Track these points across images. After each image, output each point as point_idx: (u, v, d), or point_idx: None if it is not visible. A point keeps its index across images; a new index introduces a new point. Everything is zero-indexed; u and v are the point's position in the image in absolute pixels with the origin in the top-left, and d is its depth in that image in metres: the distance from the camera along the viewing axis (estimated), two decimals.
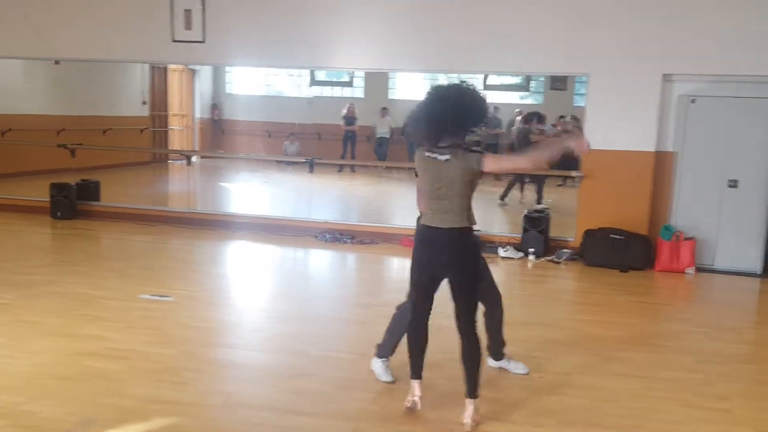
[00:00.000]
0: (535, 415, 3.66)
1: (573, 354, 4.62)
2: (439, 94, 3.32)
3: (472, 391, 3.50)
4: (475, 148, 3.41)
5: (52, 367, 4.02)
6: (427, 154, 3.40)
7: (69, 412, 3.47)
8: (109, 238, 8.08)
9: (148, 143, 13.15)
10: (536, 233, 7.53)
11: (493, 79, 13.62)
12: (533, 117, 10.61)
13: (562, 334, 5.06)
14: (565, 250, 7.46)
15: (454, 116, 3.27)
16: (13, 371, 3.94)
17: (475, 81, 13.20)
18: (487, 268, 4.06)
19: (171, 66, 13.15)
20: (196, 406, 3.61)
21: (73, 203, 8.61)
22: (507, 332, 5.01)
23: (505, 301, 5.99)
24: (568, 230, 7.75)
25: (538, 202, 10.24)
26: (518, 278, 6.97)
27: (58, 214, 8.52)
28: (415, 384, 3.67)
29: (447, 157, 3.33)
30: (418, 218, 3.60)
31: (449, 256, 3.43)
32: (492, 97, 13.52)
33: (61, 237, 8.03)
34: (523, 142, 10.02)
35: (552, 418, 3.64)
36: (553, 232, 7.72)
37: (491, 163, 3.36)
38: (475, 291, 3.54)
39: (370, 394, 3.84)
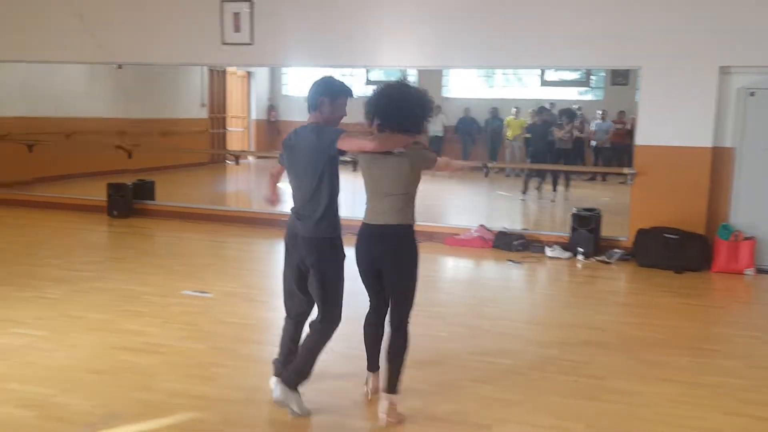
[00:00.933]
0: (563, 419, 3.54)
1: (611, 357, 4.45)
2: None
3: (392, 387, 3.41)
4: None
5: (88, 361, 4.13)
6: None
7: (96, 405, 3.56)
8: (160, 236, 8.30)
9: (207, 145, 13.46)
10: (586, 232, 7.30)
11: (550, 75, 13.33)
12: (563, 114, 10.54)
13: (602, 337, 4.88)
14: (616, 250, 7.21)
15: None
16: (50, 364, 4.07)
17: (532, 77, 13.01)
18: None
19: (229, 69, 13.42)
20: (220, 401, 3.64)
21: (128, 202, 8.89)
22: (546, 332, 4.91)
23: (548, 302, 5.88)
24: (621, 229, 7.49)
25: (554, 189, 10.20)
26: (565, 279, 6.78)
27: (115, 212, 8.81)
28: (370, 376, 3.71)
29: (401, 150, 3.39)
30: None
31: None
32: (550, 94, 13.24)
33: (115, 235, 8.30)
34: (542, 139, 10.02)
35: (581, 422, 3.51)
36: (605, 231, 7.47)
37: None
38: (413, 291, 3.57)
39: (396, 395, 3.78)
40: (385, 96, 3.38)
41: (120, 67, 10.02)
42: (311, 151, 3.35)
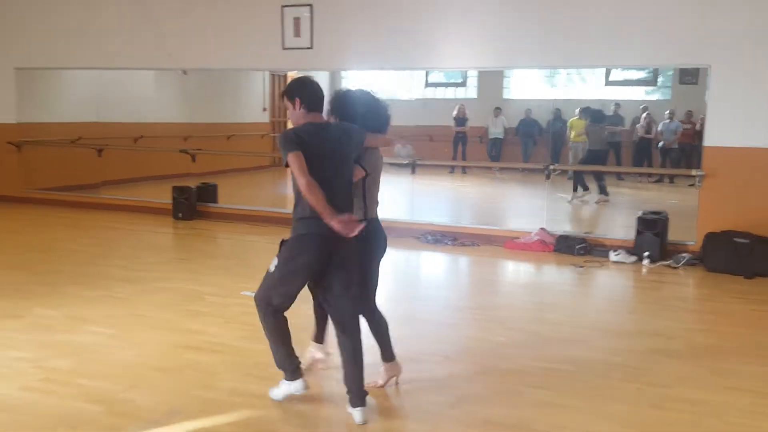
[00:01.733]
0: (626, 427, 3.46)
1: (678, 365, 4.33)
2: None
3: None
4: None
5: (153, 359, 4.27)
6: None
7: (160, 402, 3.67)
8: (222, 238, 8.51)
9: (268, 149, 13.69)
10: (651, 236, 7.11)
11: (615, 74, 13.01)
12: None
13: (668, 344, 4.75)
14: (683, 255, 6.99)
15: None
16: (117, 361, 4.23)
17: (596, 76, 12.76)
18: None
19: (290, 73, 13.64)
20: (278, 401, 3.71)
21: (193, 205, 9.14)
22: (610, 339, 4.81)
23: (612, 308, 5.76)
24: (689, 233, 7.26)
25: (601, 193, 9.90)
26: (630, 284, 6.62)
27: (179, 215, 9.07)
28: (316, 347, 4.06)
29: None
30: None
31: None
32: (615, 94, 12.93)
33: (179, 236, 8.55)
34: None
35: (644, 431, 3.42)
36: (672, 235, 7.26)
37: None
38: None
39: (449, 398, 3.77)
40: (363, 103, 3.68)
41: (185, 72, 10.33)
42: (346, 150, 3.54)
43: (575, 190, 10.18)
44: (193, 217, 9.08)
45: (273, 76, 13.55)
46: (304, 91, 3.50)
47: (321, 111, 3.53)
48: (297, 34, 8.29)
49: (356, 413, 3.47)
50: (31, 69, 10.06)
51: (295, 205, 3.51)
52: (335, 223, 3.23)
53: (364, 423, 3.44)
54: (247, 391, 3.81)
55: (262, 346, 4.45)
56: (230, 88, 12.38)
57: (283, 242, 3.57)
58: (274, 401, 3.67)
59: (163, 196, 9.45)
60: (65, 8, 9.69)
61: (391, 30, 8.08)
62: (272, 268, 3.60)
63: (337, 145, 3.46)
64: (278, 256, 3.56)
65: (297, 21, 8.28)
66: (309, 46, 8.33)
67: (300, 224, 3.46)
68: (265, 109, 13.62)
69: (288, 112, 3.54)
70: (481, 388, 3.92)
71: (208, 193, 9.44)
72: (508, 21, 7.67)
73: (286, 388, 3.66)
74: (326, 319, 3.96)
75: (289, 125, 3.60)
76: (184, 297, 5.58)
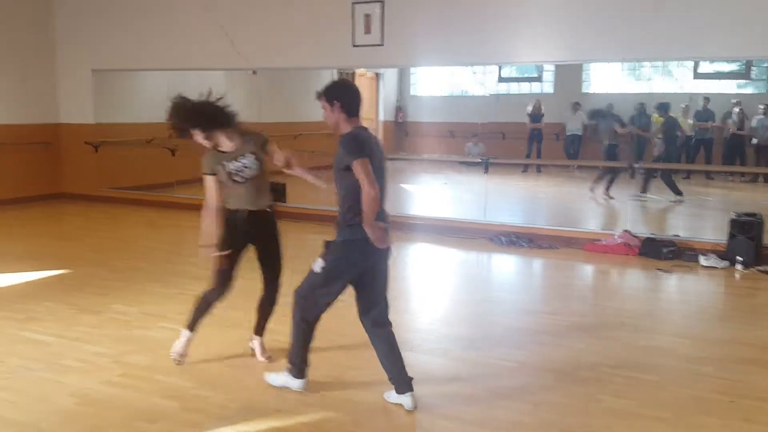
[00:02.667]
0: None
1: None
2: None
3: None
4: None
5: (225, 356, 4.43)
6: None
7: (232, 399, 3.81)
8: (292, 238, 8.59)
9: (335, 147, 13.87)
10: (745, 239, 6.86)
11: (704, 66, 12.57)
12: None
13: (764, 355, 4.58)
14: None
15: None
16: (191, 358, 4.38)
17: (684, 69, 12.36)
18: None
19: (358, 71, 13.78)
20: (351, 402, 3.78)
21: None
22: (699, 348, 4.67)
23: (702, 315, 5.58)
24: None
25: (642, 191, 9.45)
26: (721, 290, 6.40)
27: None
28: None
29: None
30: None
31: None
32: (704, 87, 12.50)
33: None
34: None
35: None
36: None
37: None
38: None
39: (527, 406, 3.75)
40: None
41: (254, 72, 10.60)
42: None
43: (645, 191, 9.90)
44: None
45: (340, 73, 13.76)
46: (345, 94, 3.60)
47: (359, 116, 3.63)
48: (367, 30, 8.38)
49: (406, 399, 3.66)
50: (108, 71, 10.53)
51: (346, 209, 3.63)
52: (379, 232, 3.50)
53: (415, 407, 3.65)
54: (320, 390, 3.89)
55: (333, 345, 4.59)
56: (298, 87, 12.60)
57: (328, 243, 3.73)
58: (297, 390, 3.88)
59: None
60: (139, 12, 10.11)
61: (464, 24, 8.06)
62: (317, 269, 3.75)
63: (382, 155, 3.64)
64: (324, 257, 3.72)
65: (368, 18, 8.37)
66: (380, 43, 8.41)
67: (351, 230, 3.60)
68: None
69: (326, 113, 3.62)
70: (559, 395, 3.88)
71: (278, 192, 9.54)
72: (586, 12, 7.54)
73: (285, 380, 3.91)
74: (268, 315, 4.48)
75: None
76: (254, 294, 5.68)
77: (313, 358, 4.37)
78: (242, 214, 4.26)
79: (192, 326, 4.32)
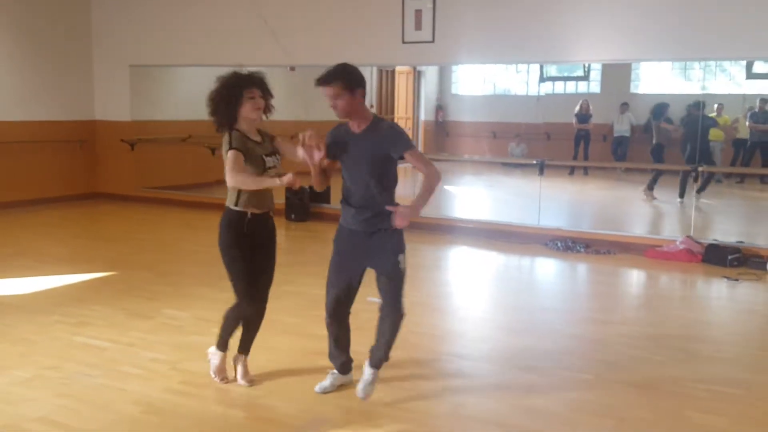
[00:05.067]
0: None
1: None
2: None
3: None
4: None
5: (288, 364, 4.38)
6: None
7: (302, 409, 3.75)
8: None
9: None
10: None
11: (759, 66, 12.32)
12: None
13: None
14: None
15: None
16: (253, 365, 4.31)
17: (737, 69, 12.15)
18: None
19: (398, 68, 13.72)
20: (425, 414, 3.71)
21: (306, 206, 9.33)
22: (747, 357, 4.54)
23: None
24: None
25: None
26: None
27: (292, 216, 9.28)
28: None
29: None
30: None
31: None
32: (759, 87, 12.24)
33: (295, 238, 8.75)
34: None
35: None
36: None
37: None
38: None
39: (610, 420, 3.65)
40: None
41: (293, 69, 10.59)
42: None
43: (700, 190, 9.70)
44: (307, 219, 9.27)
45: (381, 71, 13.70)
46: (363, 81, 3.57)
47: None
48: (418, 27, 8.31)
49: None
50: (145, 66, 10.58)
51: (391, 198, 3.68)
52: None
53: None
54: (393, 402, 3.82)
55: (398, 355, 4.50)
56: None
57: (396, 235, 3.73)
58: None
59: (275, 197, 9.67)
60: (177, 6, 10.16)
61: (511, 21, 8.02)
62: (403, 264, 3.79)
63: None
64: (402, 250, 3.76)
65: (419, 13, 8.30)
66: (431, 40, 8.34)
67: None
68: (372, 106, 13.78)
69: (342, 101, 3.52)
70: (645, 411, 3.77)
71: (322, 193, 9.55)
72: (636, 9, 7.45)
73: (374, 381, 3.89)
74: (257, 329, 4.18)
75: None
76: (310, 302, 5.68)
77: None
78: (263, 218, 3.91)
79: (223, 346, 4.11)
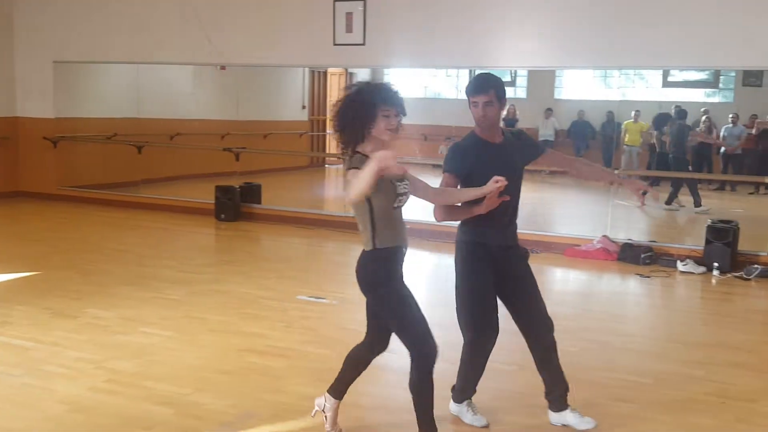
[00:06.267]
0: None
1: (761, 380, 4.37)
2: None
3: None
4: (354, 159, 3.05)
5: (217, 362, 4.41)
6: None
7: (230, 405, 3.80)
8: (268, 240, 8.67)
9: (307, 148, 13.86)
10: (721, 246, 7.09)
11: (675, 75, 12.94)
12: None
13: (750, 358, 4.77)
14: (755, 266, 6.96)
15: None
16: (180, 363, 4.37)
17: (654, 77, 12.69)
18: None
19: (330, 70, 13.78)
20: (352, 407, 3.79)
21: (236, 205, 9.31)
22: (687, 351, 4.84)
23: (685, 320, 5.77)
24: (760, 243, 7.24)
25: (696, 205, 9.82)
26: (699, 295, 6.64)
27: (222, 215, 9.24)
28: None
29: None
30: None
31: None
32: (674, 95, 12.86)
33: (224, 238, 8.74)
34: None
35: None
36: (742, 245, 7.23)
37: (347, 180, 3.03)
38: (397, 328, 3.26)
39: (528, 408, 3.84)
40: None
41: (223, 68, 10.53)
42: None
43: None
44: (237, 218, 9.24)
45: (313, 72, 13.74)
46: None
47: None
48: (349, 29, 8.41)
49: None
50: (70, 62, 10.33)
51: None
52: None
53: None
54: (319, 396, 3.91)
55: (326, 351, 4.62)
56: (268, 84, 12.57)
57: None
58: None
59: (201, 196, 9.64)
60: (104, 1, 9.94)
61: (441, 27, 8.16)
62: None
63: None
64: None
65: (349, 16, 8.40)
66: (362, 43, 8.45)
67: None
68: (304, 107, 13.81)
69: (492, 109, 3.37)
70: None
71: (252, 193, 9.60)
72: (561, 19, 7.73)
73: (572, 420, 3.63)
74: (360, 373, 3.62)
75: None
76: (239, 300, 5.72)
77: (305, 362, 4.41)
78: (402, 253, 3.30)
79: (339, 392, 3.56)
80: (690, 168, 10.48)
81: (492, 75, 3.54)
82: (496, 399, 3.96)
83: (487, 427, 3.66)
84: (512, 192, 3.40)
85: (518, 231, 3.72)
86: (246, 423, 3.60)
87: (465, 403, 3.75)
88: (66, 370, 4.21)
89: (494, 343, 3.63)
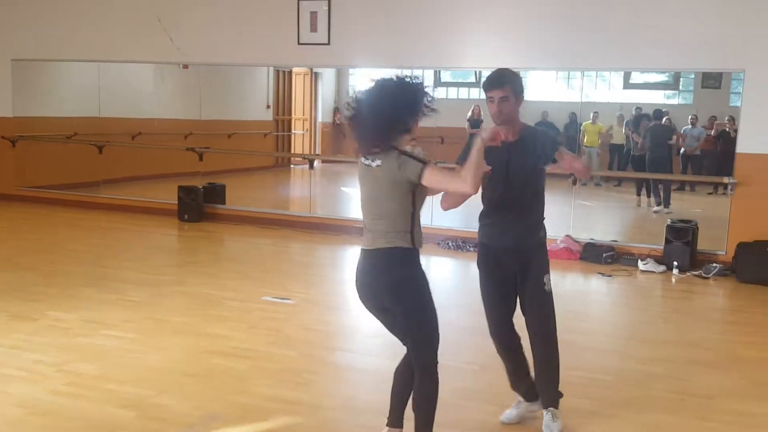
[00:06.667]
0: None
1: (719, 376, 4.46)
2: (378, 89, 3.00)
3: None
4: (417, 155, 2.96)
5: (180, 363, 4.38)
6: (362, 159, 3.05)
7: (194, 407, 3.78)
8: (232, 241, 8.61)
9: (272, 148, 13.80)
10: (681, 245, 7.24)
11: (636, 77, 13.18)
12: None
13: (708, 355, 4.88)
14: (714, 265, 7.13)
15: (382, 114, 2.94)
16: (143, 366, 4.33)
17: (616, 78, 12.89)
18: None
19: (295, 69, 13.75)
20: (317, 408, 3.82)
21: (199, 206, 9.23)
22: (647, 349, 4.93)
23: (645, 318, 5.88)
24: (719, 243, 7.42)
25: (658, 204, 10.05)
26: (660, 294, 6.77)
27: (185, 216, 9.16)
28: None
29: (378, 162, 2.96)
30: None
31: (377, 284, 3.06)
32: (635, 97, 13.10)
33: (187, 239, 8.66)
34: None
35: None
36: (701, 245, 7.40)
37: (430, 176, 2.88)
38: (420, 322, 3.09)
39: (491, 407, 3.89)
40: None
41: (186, 67, 10.43)
42: None
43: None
44: (200, 219, 9.16)
45: (277, 72, 13.69)
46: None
47: None
48: (314, 29, 8.40)
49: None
50: (29, 60, 10.14)
51: (541, 211, 3.54)
52: None
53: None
54: (284, 398, 3.91)
55: (291, 352, 4.62)
56: (232, 83, 12.49)
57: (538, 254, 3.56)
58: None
59: (164, 196, 9.54)
60: None
61: (405, 27, 8.22)
62: (549, 287, 3.61)
63: None
64: (547, 271, 3.56)
65: (314, 15, 8.39)
66: (326, 42, 8.45)
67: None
68: (268, 107, 13.75)
69: (508, 105, 3.33)
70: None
71: (216, 193, 9.53)
72: (525, 21, 7.84)
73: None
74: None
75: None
76: (202, 301, 5.68)
77: (269, 363, 4.41)
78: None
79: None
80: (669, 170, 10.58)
81: (509, 70, 3.45)
82: (462, 398, 3.99)
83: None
84: (516, 192, 3.39)
85: None
86: (210, 425, 3.58)
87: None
88: (25, 373, 4.15)
89: (508, 346, 3.72)
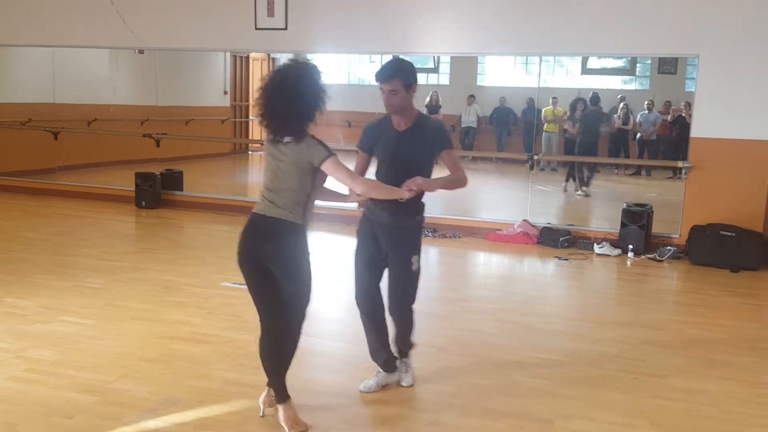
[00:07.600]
0: (627, 416, 3.70)
1: (671, 356, 4.61)
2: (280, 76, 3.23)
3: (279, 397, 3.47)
4: (327, 146, 3.23)
5: (139, 349, 4.38)
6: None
7: (154, 392, 3.79)
8: (191, 228, 8.57)
9: (229, 134, 13.70)
10: (636, 228, 7.44)
11: (593, 63, 13.40)
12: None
13: (660, 335, 5.04)
14: (668, 248, 7.35)
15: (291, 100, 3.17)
16: (102, 352, 4.32)
17: (573, 64, 13.08)
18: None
19: (253, 55, 13.64)
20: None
21: (157, 193, 9.16)
22: (601, 330, 5.08)
23: (600, 300, 6.04)
24: (673, 226, 7.63)
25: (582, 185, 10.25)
26: (615, 276, 6.93)
27: (143, 203, 9.08)
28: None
29: (288, 139, 3.21)
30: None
31: (265, 248, 3.40)
32: (592, 82, 13.31)
33: (145, 226, 8.58)
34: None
35: (644, 419, 3.68)
36: (656, 228, 7.62)
37: (330, 166, 3.21)
38: (296, 287, 3.43)
39: (450, 388, 3.98)
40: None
41: (141, 52, 10.29)
42: None
43: (570, 180, 10.50)
44: (158, 206, 9.09)
45: (234, 57, 13.56)
46: (417, 79, 3.54)
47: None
48: (271, 13, 8.37)
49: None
50: None
51: (421, 195, 3.65)
52: None
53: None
54: (243, 381, 3.95)
55: (250, 337, 4.62)
56: (189, 69, 12.35)
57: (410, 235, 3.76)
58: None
59: (121, 183, 9.44)
60: None
61: (363, 12, 8.25)
62: (416, 267, 3.81)
63: None
64: (417, 252, 3.80)
65: (271, 0, 8.35)
66: (284, 27, 8.42)
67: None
68: (226, 93, 13.63)
69: (398, 97, 3.48)
70: (479, 378, 4.13)
71: (173, 180, 9.46)
72: (482, 6, 7.91)
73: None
74: None
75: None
76: (161, 288, 5.67)
77: (228, 348, 4.43)
78: None
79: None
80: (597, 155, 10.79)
81: (402, 62, 3.59)
82: (418, 379, 4.07)
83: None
84: (401, 177, 3.49)
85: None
86: (169, 409, 3.60)
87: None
88: None
89: (370, 313, 3.85)
